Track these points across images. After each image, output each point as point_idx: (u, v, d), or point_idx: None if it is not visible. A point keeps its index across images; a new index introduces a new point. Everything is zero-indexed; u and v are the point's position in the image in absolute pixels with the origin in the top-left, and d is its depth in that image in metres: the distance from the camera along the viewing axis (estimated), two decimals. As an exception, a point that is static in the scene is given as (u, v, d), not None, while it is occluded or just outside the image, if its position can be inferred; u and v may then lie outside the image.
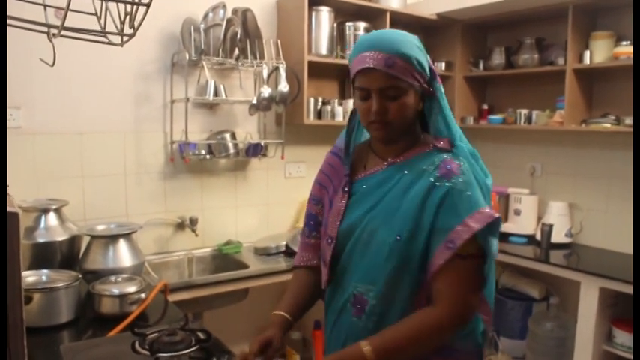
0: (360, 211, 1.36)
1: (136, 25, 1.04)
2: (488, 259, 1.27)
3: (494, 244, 1.27)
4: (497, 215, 1.24)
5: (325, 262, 1.43)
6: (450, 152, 1.32)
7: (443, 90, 1.36)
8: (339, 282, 1.40)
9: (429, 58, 1.34)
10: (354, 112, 1.47)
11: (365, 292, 1.33)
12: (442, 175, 1.27)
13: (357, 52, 1.30)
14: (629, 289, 2.61)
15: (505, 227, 3.52)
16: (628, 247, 3.10)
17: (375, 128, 1.33)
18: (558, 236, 3.30)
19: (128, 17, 1.05)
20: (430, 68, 1.32)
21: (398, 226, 1.28)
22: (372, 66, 1.25)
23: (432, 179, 1.28)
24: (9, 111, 2.50)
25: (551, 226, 3.27)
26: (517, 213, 3.54)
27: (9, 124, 2.50)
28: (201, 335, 1.58)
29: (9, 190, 1.13)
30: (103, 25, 1.11)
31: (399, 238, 1.27)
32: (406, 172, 1.33)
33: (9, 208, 0.61)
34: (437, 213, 1.25)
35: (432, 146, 1.34)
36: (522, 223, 3.52)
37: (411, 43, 1.28)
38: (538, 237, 3.34)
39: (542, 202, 3.54)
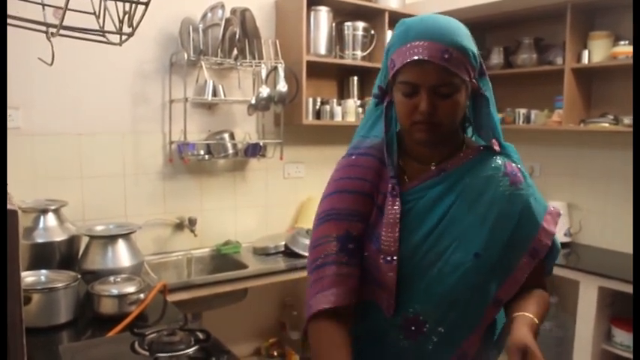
0: (424, 228, 1.16)
1: (134, 24, 1.04)
2: (556, 255, 1.25)
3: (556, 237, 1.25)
4: (559, 211, 1.23)
5: (385, 285, 1.17)
6: (502, 153, 1.22)
7: (489, 84, 1.22)
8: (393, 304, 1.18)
9: (477, 50, 1.14)
10: (389, 106, 1.21)
11: (422, 313, 1.16)
12: (512, 183, 1.18)
13: (404, 41, 1.10)
14: (628, 289, 2.61)
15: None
16: (627, 247, 3.10)
17: (419, 129, 1.13)
18: (558, 236, 3.29)
19: (127, 16, 1.05)
20: (480, 63, 1.15)
21: (475, 242, 1.14)
22: (426, 58, 1.05)
23: (504, 188, 1.17)
24: (8, 111, 2.50)
25: (550, 225, 3.26)
26: (516, 213, 3.53)
27: (8, 124, 2.50)
28: (200, 335, 1.58)
29: (8, 189, 1.13)
30: (101, 25, 1.11)
31: (477, 256, 1.13)
32: (467, 180, 1.17)
33: (9, 206, 0.61)
34: (518, 225, 1.16)
35: (478, 147, 1.22)
36: (521, 222, 3.51)
37: (466, 32, 1.11)
38: (537, 236, 3.33)
39: (541, 202, 3.53)
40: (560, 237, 3.27)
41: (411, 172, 1.22)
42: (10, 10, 1.02)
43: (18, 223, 0.61)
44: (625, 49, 2.94)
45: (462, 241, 1.14)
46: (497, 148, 1.21)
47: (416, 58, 1.06)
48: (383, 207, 1.19)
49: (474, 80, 1.13)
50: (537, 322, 1.10)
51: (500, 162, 1.20)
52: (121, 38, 1.12)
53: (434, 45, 1.05)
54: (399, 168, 1.22)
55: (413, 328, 1.16)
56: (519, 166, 1.22)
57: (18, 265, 0.63)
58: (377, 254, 1.17)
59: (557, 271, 3.03)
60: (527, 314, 1.10)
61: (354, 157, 1.27)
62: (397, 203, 1.17)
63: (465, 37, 1.10)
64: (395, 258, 1.15)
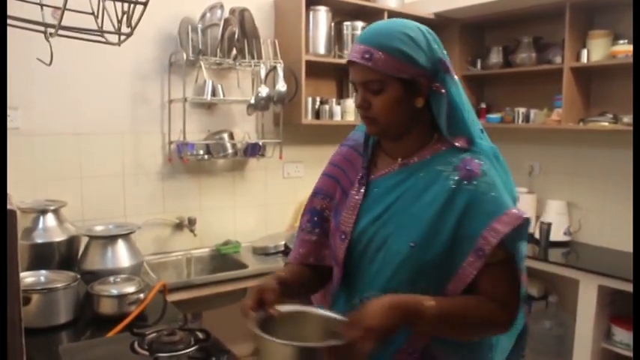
0: (372, 213, 1.26)
1: (133, 24, 1.03)
2: (518, 265, 1.20)
3: (523, 247, 1.20)
4: (525, 216, 1.16)
5: (337, 261, 1.31)
6: (469, 150, 1.21)
7: (456, 83, 1.23)
8: (350, 285, 1.31)
9: (436, 50, 1.20)
10: None
11: (376, 297, 1.20)
12: (463, 177, 1.17)
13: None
14: (628, 287, 2.61)
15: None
16: (626, 245, 3.10)
17: (365, 123, 1.26)
18: (557, 235, 3.30)
19: (125, 16, 1.05)
20: (438, 60, 1.19)
21: (412, 233, 1.18)
22: (351, 59, 1.19)
23: (452, 182, 1.18)
24: (7, 112, 2.50)
25: (549, 224, 3.27)
26: (515, 212, 3.53)
27: (7, 125, 2.50)
28: (200, 335, 1.58)
29: (12, 183, 1.13)
30: (100, 25, 1.11)
31: (412, 245, 1.18)
32: (421, 174, 1.22)
33: (7, 205, 0.61)
34: (460, 219, 1.16)
35: (448, 144, 1.23)
36: (521, 221, 3.51)
37: (399, 33, 1.17)
38: (537, 235, 3.34)
39: (540, 201, 3.54)
40: (560, 236, 3.29)
41: (381, 163, 1.31)
42: (9, 10, 1.02)
43: (17, 223, 0.61)
44: (624, 47, 2.94)
45: (401, 230, 1.20)
46: (463, 145, 1.22)
47: (346, 59, 1.22)
48: (348, 191, 1.33)
49: (422, 79, 1.18)
50: (428, 310, 1.09)
51: (457, 159, 1.20)
52: (119, 38, 1.11)
53: (359, 47, 1.18)
54: (372, 160, 1.33)
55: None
56: (482, 162, 1.19)
57: (17, 264, 0.63)
58: (335, 231, 1.32)
59: (556, 269, 3.04)
60: (425, 301, 1.10)
61: (342, 147, 1.43)
62: (362, 190, 1.29)
63: (395, 38, 1.16)
64: (347, 237, 1.28)
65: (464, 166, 1.18)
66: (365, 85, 1.19)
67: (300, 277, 1.36)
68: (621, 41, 2.98)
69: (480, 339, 1.26)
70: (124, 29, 1.08)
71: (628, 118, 2.92)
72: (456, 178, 1.18)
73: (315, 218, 1.40)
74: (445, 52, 1.24)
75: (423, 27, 1.23)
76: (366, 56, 1.16)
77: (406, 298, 1.12)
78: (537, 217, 3.48)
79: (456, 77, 1.23)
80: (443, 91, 1.19)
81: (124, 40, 1.12)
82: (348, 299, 1.32)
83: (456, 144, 1.22)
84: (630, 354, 2.74)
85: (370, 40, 1.18)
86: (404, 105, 1.19)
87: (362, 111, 1.22)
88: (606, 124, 3.04)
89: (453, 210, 1.16)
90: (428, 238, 1.17)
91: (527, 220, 1.17)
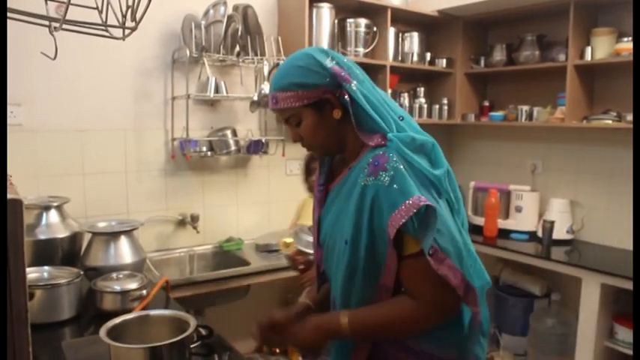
0: (326, 222, 1.39)
1: (137, 18, 1.03)
2: (443, 254, 1.18)
3: (435, 237, 1.18)
4: (422, 203, 1.15)
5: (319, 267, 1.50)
6: (384, 146, 1.25)
7: (355, 86, 1.27)
8: (331, 286, 1.43)
9: (328, 67, 1.26)
10: None
11: (335, 296, 1.36)
12: (371, 173, 1.22)
13: None
14: (630, 286, 2.61)
15: (506, 224, 3.52)
16: (630, 244, 3.09)
17: (307, 150, 1.42)
18: (560, 233, 3.29)
19: (130, 10, 1.05)
20: (333, 74, 1.25)
21: (344, 231, 1.28)
22: (270, 109, 1.35)
23: (362, 179, 1.23)
24: (9, 108, 2.50)
25: (552, 222, 3.26)
26: (518, 210, 3.53)
27: (10, 121, 2.50)
28: (203, 332, 1.58)
29: (12, 180, 1.13)
30: (104, 19, 1.11)
31: (346, 243, 1.27)
32: (353, 174, 1.30)
33: (13, 195, 0.60)
34: (371, 215, 1.22)
35: (369, 146, 1.28)
36: (523, 219, 3.51)
37: (289, 69, 1.28)
38: (539, 234, 3.33)
39: (543, 199, 3.53)
40: (563, 234, 3.29)
41: (337, 173, 1.42)
42: (13, 4, 1.02)
43: (22, 212, 0.61)
44: (628, 45, 2.93)
45: (339, 230, 1.31)
46: (379, 142, 1.25)
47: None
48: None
49: (326, 95, 1.26)
50: (344, 325, 1.25)
51: (371, 156, 1.24)
52: (124, 32, 1.11)
53: (270, 96, 1.32)
54: (332, 172, 1.45)
55: (334, 308, 1.37)
56: (389, 156, 1.21)
57: (23, 254, 0.63)
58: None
59: (559, 268, 3.04)
60: (341, 317, 1.27)
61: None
62: (317, 207, 1.46)
63: (286, 74, 1.28)
64: (317, 245, 1.46)
65: (373, 163, 1.23)
66: (287, 122, 1.34)
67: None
68: (625, 39, 2.97)
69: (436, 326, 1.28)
70: (129, 24, 1.08)
71: (631, 116, 2.91)
72: (365, 175, 1.23)
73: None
74: (344, 59, 1.31)
75: (314, 49, 1.32)
76: (274, 101, 1.30)
77: (325, 318, 1.31)
78: (540, 216, 3.47)
79: (354, 85, 1.26)
80: (347, 97, 1.25)
81: (129, 34, 1.12)
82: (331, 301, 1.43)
83: (370, 143, 1.27)
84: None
85: (273, 86, 1.31)
86: (325, 123, 1.29)
87: (301, 144, 1.36)
88: (610, 122, 3.03)
89: (365, 206, 1.23)
90: (355, 235, 1.25)
91: (427, 207, 1.16)
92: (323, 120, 1.29)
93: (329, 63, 1.27)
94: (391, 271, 1.24)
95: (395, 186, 1.18)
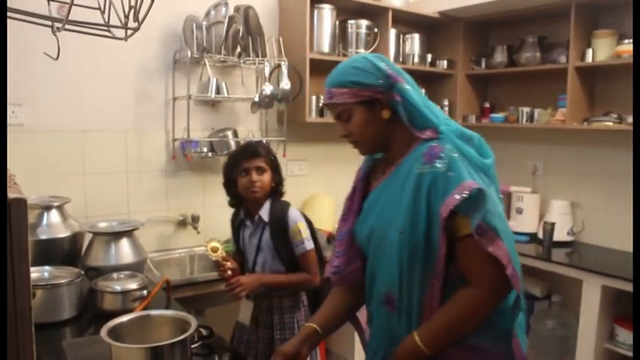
0: (372, 217, 1.44)
1: (140, 18, 1.03)
2: (494, 233, 1.25)
3: (487, 216, 1.25)
4: (476, 186, 1.24)
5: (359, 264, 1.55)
6: (437, 139, 1.35)
7: (410, 87, 1.40)
8: (372, 285, 1.48)
9: (384, 68, 1.38)
10: None
11: (391, 290, 1.39)
12: (427, 161, 1.30)
13: None
14: (631, 288, 2.61)
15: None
16: (630, 246, 3.09)
17: (355, 148, 1.48)
18: (560, 235, 3.29)
19: (132, 11, 1.05)
20: (387, 76, 1.38)
21: (399, 221, 1.33)
22: (324, 103, 1.44)
23: (418, 168, 1.32)
24: (11, 108, 2.50)
25: (553, 224, 3.26)
26: (519, 211, 3.54)
27: (11, 121, 2.50)
28: (203, 332, 1.58)
29: (16, 179, 1.13)
30: (106, 19, 1.11)
31: (401, 231, 1.32)
32: (403, 169, 1.38)
33: (16, 195, 0.61)
34: (428, 200, 1.29)
35: (420, 139, 1.38)
36: (524, 221, 3.51)
37: (347, 68, 1.39)
38: (540, 235, 3.33)
39: (544, 201, 3.54)
40: (564, 236, 3.29)
41: (381, 171, 1.50)
42: (15, 4, 1.02)
43: (26, 211, 0.61)
44: (629, 47, 2.93)
45: (392, 221, 1.36)
46: (431, 135, 1.36)
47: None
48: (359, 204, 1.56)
49: (378, 95, 1.37)
50: (420, 345, 1.31)
51: (425, 146, 1.34)
52: (126, 33, 1.11)
53: (325, 91, 1.43)
54: (374, 171, 1.54)
55: (390, 303, 1.40)
56: (444, 146, 1.31)
57: (27, 252, 0.63)
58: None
59: (560, 269, 3.04)
60: (415, 337, 1.32)
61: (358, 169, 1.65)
62: (358, 205, 1.54)
63: (344, 73, 1.39)
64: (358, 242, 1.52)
65: (428, 153, 1.32)
66: (338, 117, 1.44)
67: (335, 312, 1.57)
68: (626, 41, 2.97)
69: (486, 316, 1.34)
70: (131, 24, 1.08)
71: (632, 118, 2.91)
72: (422, 163, 1.32)
73: (340, 237, 1.58)
74: (395, 65, 1.43)
75: (370, 55, 1.44)
76: (329, 96, 1.41)
77: (401, 348, 1.34)
78: (541, 217, 3.47)
79: (404, 83, 1.39)
80: (398, 98, 1.37)
81: (131, 34, 1.12)
82: (375, 298, 1.47)
83: (423, 136, 1.37)
84: (633, 354, 2.74)
85: (329, 83, 1.41)
86: (373, 121, 1.40)
87: (347, 140, 1.46)
88: (610, 123, 3.04)
89: (421, 193, 1.30)
90: (411, 223, 1.31)
91: (478, 190, 1.24)
92: (372, 118, 1.39)
93: (383, 66, 1.38)
94: (441, 256, 1.30)
95: (450, 173, 1.27)
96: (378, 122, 1.40)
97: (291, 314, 2.23)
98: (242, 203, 2.25)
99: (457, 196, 1.24)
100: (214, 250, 2.11)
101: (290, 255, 2.18)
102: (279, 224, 2.17)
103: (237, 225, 2.30)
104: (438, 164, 1.28)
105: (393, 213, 1.36)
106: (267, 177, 2.17)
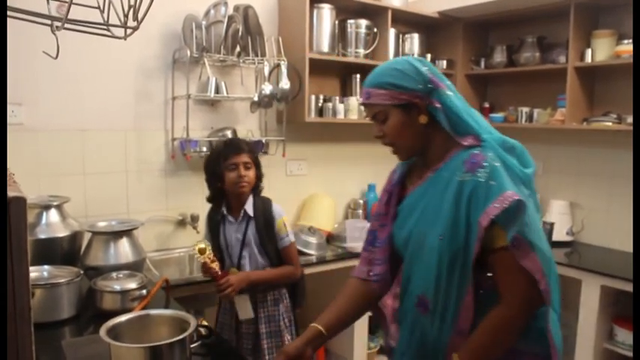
0: (411, 221, 1.44)
1: (139, 17, 1.03)
2: (529, 248, 1.25)
3: (524, 230, 1.25)
4: (517, 197, 1.24)
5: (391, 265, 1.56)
6: (479, 146, 1.35)
7: (451, 92, 1.39)
8: (406, 287, 1.49)
9: (425, 72, 1.37)
10: None
11: (425, 293, 1.39)
12: (468, 170, 1.30)
13: None
14: (630, 288, 2.61)
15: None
16: (630, 246, 3.09)
17: (392, 152, 1.48)
18: (560, 235, 3.29)
19: (132, 10, 1.05)
20: (428, 80, 1.37)
21: (439, 227, 1.34)
22: (361, 102, 1.49)
23: (460, 176, 1.32)
24: (10, 107, 2.50)
25: (552, 224, 3.26)
26: (518, 211, 3.53)
27: (11, 120, 2.50)
28: (202, 331, 1.58)
29: (16, 179, 1.13)
30: (106, 18, 1.11)
31: (441, 238, 1.33)
32: (444, 174, 1.38)
33: (16, 193, 0.61)
34: (468, 208, 1.29)
35: (461, 146, 1.38)
36: (523, 221, 3.50)
37: (388, 70, 1.39)
38: (539, 235, 3.33)
39: (543, 201, 3.53)
40: (563, 236, 3.29)
41: (417, 175, 1.49)
42: (15, 2, 1.02)
43: (26, 210, 0.61)
44: (629, 47, 2.94)
45: (432, 227, 1.36)
46: (472, 143, 1.36)
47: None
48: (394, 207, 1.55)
49: (416, 100, 1.36)
50: None
51: (467, 154, 1.34)
52: (125, 32, 1.11)
53: (363, 91, 1.44)
54: (409, 175, 1.54)
55: (424, 306, 1.40)
56: (487, 154, 1.31)
57: (26, 250, 0.63)
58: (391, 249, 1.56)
59: (559, 269, 3.01)
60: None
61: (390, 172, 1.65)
62: (394, 208, 1.54)
63: (385, 74, 1.39)
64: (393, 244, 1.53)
65: (470, 160, 1.31)
66: (374, 118, 1.43)
67: (342, 314, 1.55)
68: (625, 41, 2.97)
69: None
70: (131, 23, 1.08)
71: (632, 118, 2.91)
72: (463, 171, 1.31)
73: (370, 237, 1.60)
74: (437, 70, 1.42)
75: (412, 58, 1.43)
76: (366, 96, 1.42)
77: None
78: (540, 217, 3.47)
79: (445, 89, 1.38)
80: (437, 104, 1.36)
81: (131, 33, 1.12)
82: (408, 300, 1.48)
83: (465, 143, 1.37)
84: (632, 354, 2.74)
85: (368, 83, 1.42)
86: (409, 125, 1.39)
87: (381, 141, 1.45)
88: (610, 124, 3.04)
89: (462, 200, 1.30)
90: (451, 230, 1.31)
91: (518, 201, 1.24)
92: (409, 122, 1.39)
93: (425, 71, 1.37)
94: (473, 264, 1.30)
95: (492, 182, 1.27)
96: (414, 126, 1.40)
97: (275, 307, 2.30)
98: (223, 199, 2.30)
99: (497, 206, 1.24)
100: (202, 251, 2.11)
101: (274, 248, 2.27)
102: (265, 219, 2.27)
103: (217, 221, 2.32)
104: (480, 173, 1.28)
105: (433, 218, 1.36)
106: (252, 172, 2.25)
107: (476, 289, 1.33)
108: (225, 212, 2.29)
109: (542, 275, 1.26)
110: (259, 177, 2.31)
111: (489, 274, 1.35)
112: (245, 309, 2.24)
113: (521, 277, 1.27)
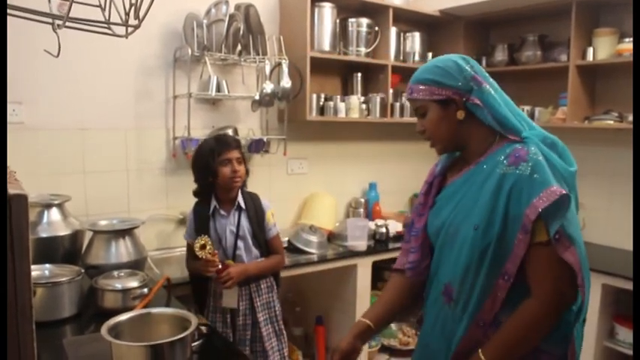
0: (446, 211, 1.48)
1: (140, 15, 1.03)
2: (569, 242, 1.28)
3: (567, 224, 1.28)
4: (563, 192, 1.26)
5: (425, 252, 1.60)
6: (522, 142, 1.37)
7: (493, 89, 1.42)
8: (435, 275, 1.53)
9: (467, 70, 1.41)
10: None
11: (452, 281, 1.43)
12: (511, 163, 1.33)
13: None
14: (631, 286, 2.61)
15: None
16: (630, 244, 3.09)
17: (430, 146, 1.53)
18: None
19: (133, 8, 1.05)
20: (470, 78, 1.41)
21: (475, 217, 1.36)
22: (405, 97, 1.49)
23: (503, 168, 1.34)
24: (11, 106, 2.50)
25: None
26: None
27: (11, 119, 2.50)
28: (204, 330, 1.58)
29: (17, 177, 1.13)
30: (107, 17, 1.11)
31: (476, 228, 1.35)
32: (485, 166, 1.40)
33: (17, 190, 0.60)
34: (508, 201, 1.31)
35: (507, 140, 1.40)
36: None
37: (431, 67, 1.44)
38: (540, 234, 3.33)
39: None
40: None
41: (458, 168, 1.53)
42: (16, 1, 1.02)
43: (27, 207, 0.61)
44: (630, 45, 2.93)
45: (468, 217, 1.39)
46: (516, 138, 1.39)
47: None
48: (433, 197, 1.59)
49: (455, 97, 1.41)
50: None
51: (510, 149, 1.36)
52: (127, 30, 1.11)
53: (408, 86, 1.50)
54: (451, 167, 1.57)
55: (448, 294, 1.44)
56: (530, 149, 1.32)
57: (28, 248, 0.63)
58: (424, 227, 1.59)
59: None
60: (481, 356, 1.32)
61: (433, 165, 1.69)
62: (435, 192, 1.57)
63: (427, 71, 1.44)
64: (426, 231, 1.56)
65: (513, 154, 1.34)
66: (416, 112, 1.49)
67: (388, 307, 1.62)
68: (627, 39, 2.97)
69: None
70: (132, 21, 1.08)
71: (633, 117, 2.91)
72: (505, 164, 1.34)
73: (410, 228, 1.65)
74: (480, 68, 1.46)
75: (457, 56, 1.47)
76: (409, 91, 1.48)
77: None
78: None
79: (488, 87, 1.41)
80: (477, 101, 1.40)
81: (132, 32, 1.12)
82: (435, 287, 1.52)
83: (510, 136, 1.40)
84: (634, 353, 2.74)
85: (412, 79, 1.48)
86: (447, 120, 1.44)
87: (422, 136, 1.51)
88: (611, 122, 3.03)
89: (502, 193, 1.32)
90: (487, 221, 1.33)
91: (565, 196, 1.26)
92: (446, 117, 1.43)
93: (467, 69, 1.42)
94: (518, 256, 1.30)
95: (535, 175, 1.29)
96: (451, 122, 1.43)
97: (269, 294, 2.39)
98: (211, 193, 2.35)
99: (544, 199, 1.25)
100: (203, 247, 2.13)
101: (264, 239, 2.38)
102: (256, 211, 2.37)
103: (205, 215, 2.35)
104: (523, 166, 1.30)
105: (469, 208, 1.39)
106: (244, 167, 2.33)
107: (511, 283, 1.33)
108: (217, 206, 2.33)
109: (580, 269, 1.28)
110: (247, 172, 2.39)
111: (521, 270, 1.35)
112: (232, 298, 2.29)
113: (557, 272, 1.29)
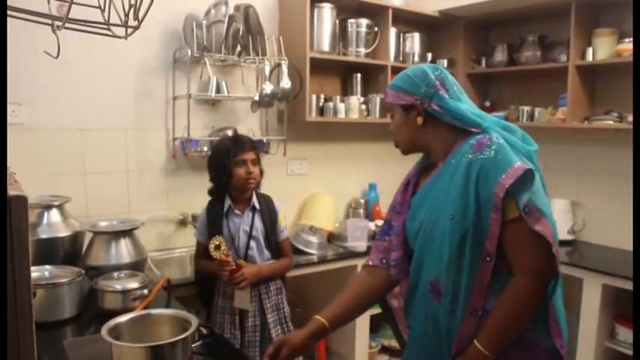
0: (421, 212, 1.52)
1: (140, 16, 1.03)
2: (539, 214, 1.33)
3: (532, 198, 1.33)
4: (526, 167, 1.32)
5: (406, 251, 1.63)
6: (483, 132, 1.44)
7: (449, 97, 1.49)
8: (418, 277, 1.53)
9: (431, 78, 1.49)
10: None
11: (438, 276, 1.44)
12: (475, 150, 1.39)
13: None
14: (631, 286, 2.61)
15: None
16: (631, 244, 3.09)
17: (394, 146, 1.65)
18: (561, 233, 3.28)
19: (132, 9, 1.05)
20: (432, 85, 1.49)
21: (450, 208, 1.40)
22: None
23: (468, 156, 1.40)
24: (11, 107, 2.50)
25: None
26: (519, 210, 3.53)
27: (11, 120, 2.50)
28: (204, 331, 1.59)
29: (17, 178, 1.13)
30: (106, 18, 1.11)
31: (451, 217, 1.39)
32: (453, 161, 1.46)
33: (17, 192, 0.60)
34: (477, 185, 1.36)
35: (469, 134, 1.46)
36: (524, 220, 3.50)
37: (402, 75, 1.55)
38: (540, 234, 3.33)
39: (544, 200, 3.53)
40: (564, 234, 3.29)
41: (430, 170, 1.59)
42: (16, 2, 1.02)
43: (27, 208, 0.61)
44: (630, 46, 2.93)
45: (442, 209, 1.43)
46: (478, 130, 1.45)
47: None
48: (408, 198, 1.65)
49: (417, 102, 1.50)
50: (483, 350, 1.35)
51: (473, 139, 1.43)
52: (126, 31, 1.11)
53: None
54: (424, 171, 1.64)
55: (435, 291, 1.46)
56: (491, 136, 1.40)
57: (27, 249, 0.63)
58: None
59: (560, 268, 3.02)
60: (476, 345, 1.36)
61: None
62: (410, 192, 1.64)
63: (400, 78, 1.55)
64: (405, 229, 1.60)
65: (477, 143, 1.40)
66: (388, 113, 1.64)
67: (345, 308, 1.62)
68: (627, 39, 2.97)
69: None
70: (131, 22, 1.08)
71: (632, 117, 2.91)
72: (470, 152, 1.40)
73: (385, 227, 1.69)
74: (449, 77, 1.54)
75: (428, 64, 1.58)
76: (384, 94, 1.62)
77: (467, 356, 1.38)
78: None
79: (446, 96, 1.48)
80: (436, 107, 1.48)
81: (131, 33, 1.12)
82: (420, 287, 1.53)
83: (472, 130, 1.46)
84: (634, 353, 2.73)
85: (389, 84, 1.59)
86: (408, 124, 1.55)
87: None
88: (611, 122, 3.03)
89: (471, 179, 1.37)
90: (462, 208, 1.38)
91: (528, 171, 1.33)
92: (406, 121, 1.55)
93: (432, 77, 1.50)
94: (494, 235, 1.35)
95: (499, 157, 1.35)
96: (411, 126, 1.54)
97: (279, 295, 2.42)
98: (225, 193, 2.37)
99: (511, 176, 1.31)
100: (217, 247, 2.13)
101: (275, 241, 2.40)
102: (270, 212, 2.39)
103: (219, 214, 2.36)
104: (487, 151, 1.37)
105: (443, 202, 1.43)
106: (258, 169, 2.35)
107: (494, 260, 1.37)
108: (231, 205, 2.35)
109: (553, 239, 1.33)
110: (261, 173, 2.41)
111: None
112: (245, 299, 2.28)
113: (533, 245, 1.34)
